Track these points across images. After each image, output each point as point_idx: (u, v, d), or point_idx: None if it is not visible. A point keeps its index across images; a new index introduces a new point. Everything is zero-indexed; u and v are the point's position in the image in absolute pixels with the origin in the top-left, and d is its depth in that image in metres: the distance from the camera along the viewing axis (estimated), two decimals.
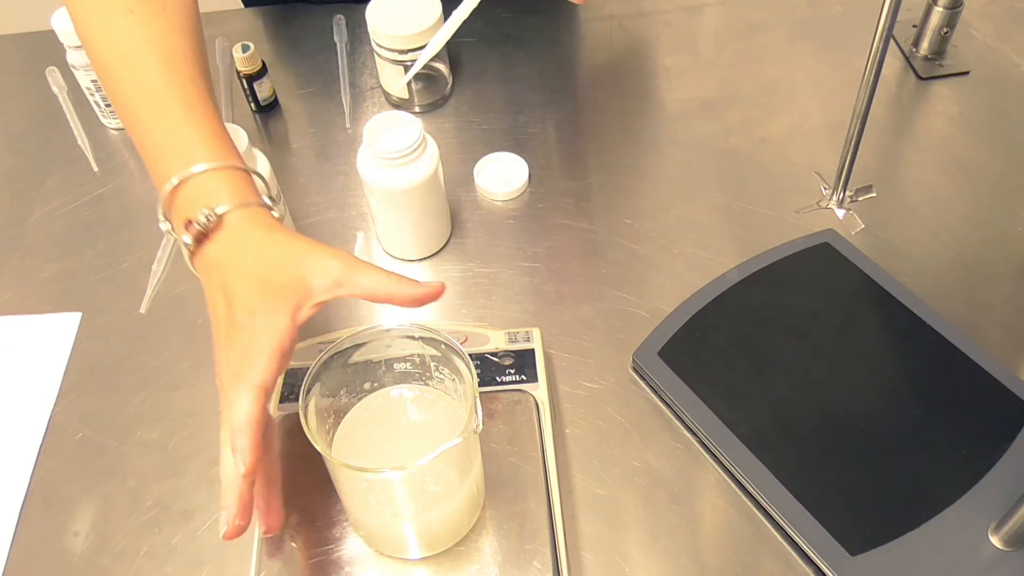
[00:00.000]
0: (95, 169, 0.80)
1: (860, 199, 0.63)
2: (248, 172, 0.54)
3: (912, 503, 0.56)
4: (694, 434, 0.61)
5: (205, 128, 0.54)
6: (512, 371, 0.62)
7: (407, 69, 0.78)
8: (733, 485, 0.59)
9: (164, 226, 0.54)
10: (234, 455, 0.46)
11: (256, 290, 0.49)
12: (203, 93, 0.55)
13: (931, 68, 0.84)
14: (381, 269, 0.51)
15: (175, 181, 0.52)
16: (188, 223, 0.51)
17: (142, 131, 0.54)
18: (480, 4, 0.70)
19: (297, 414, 0.49)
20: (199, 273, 0.53)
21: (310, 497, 0.56)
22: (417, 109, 0.83)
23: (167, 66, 0.55)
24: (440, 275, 0.71)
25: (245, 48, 0.78)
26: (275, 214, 0.53)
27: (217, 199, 0.51)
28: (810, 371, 0.63)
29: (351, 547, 0.55)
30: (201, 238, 0.51)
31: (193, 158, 0.52)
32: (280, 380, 0.61)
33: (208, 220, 0.50)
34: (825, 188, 0.63)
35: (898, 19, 0.57)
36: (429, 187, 0.67)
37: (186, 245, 0.51)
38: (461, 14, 0.69)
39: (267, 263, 0.50)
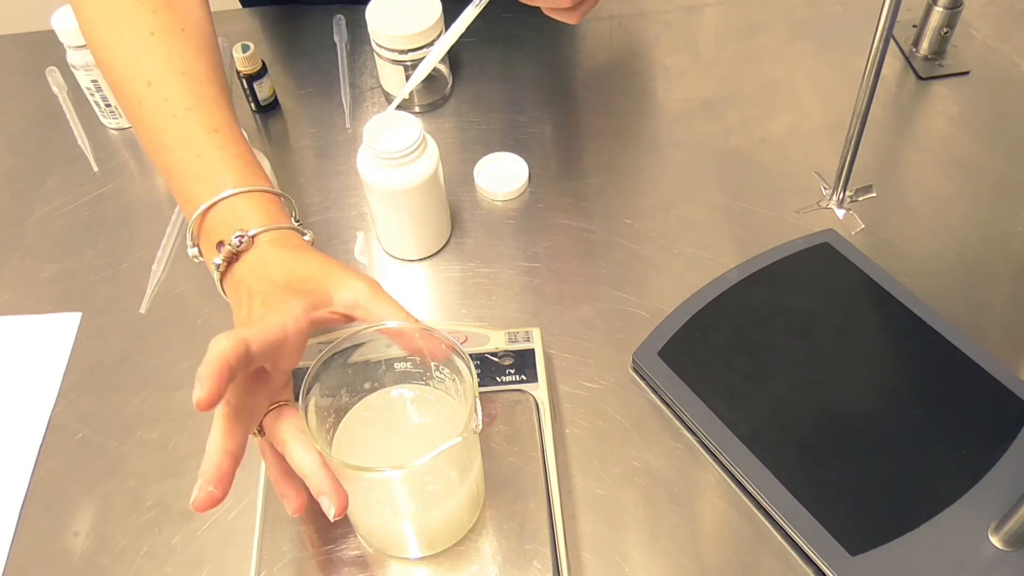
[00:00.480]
0: (95, 169, 0.80)
1: (860, 199, 0.62)
2: (276, 195, 0.54)
3: (912, 503, 0.56)
4: (694, 434, 0.61)
5: (231, 151, 0.54)
6: (512, 371, 0.62)
7: (407, 69, 0.78)
8: (733, 485, 0.59)
9: (192, 251, 0.54)
10: (195, 384, 0.43)
11: (276, 291, 0.49)
12: (226, 115, 0.55)
13: (931, 68, 0.84)
14: (403, 308, 0.51)
15: (203, 207, 0.52)
16: (220, 244, 0.51)
17: (167, 156, 0.54)
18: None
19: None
20: (228, 293, 0.53)
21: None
22: (417, 109, 0.83)
23: (191, 91, 0.55)
24: (440, 275, 0.71)
25: (245, 48, 0.78)
26: (306, 238, 0.53)
27: (247, 223, 0.51)
28: (810, 371, 0.63)
29: (351, 547, 0.55)
30: (232, 259, 0.51)
31: (221, 183, 0.52)
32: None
33: (240, 242, 0.50)
34: (825, 188, 0.63)
35: (898, 19, 0.57)
36: (429, 187, 0.67)
37: (216, 267, 0.51)
38: (459, 28, 0.69)
39: (294, 276, 0.50)
